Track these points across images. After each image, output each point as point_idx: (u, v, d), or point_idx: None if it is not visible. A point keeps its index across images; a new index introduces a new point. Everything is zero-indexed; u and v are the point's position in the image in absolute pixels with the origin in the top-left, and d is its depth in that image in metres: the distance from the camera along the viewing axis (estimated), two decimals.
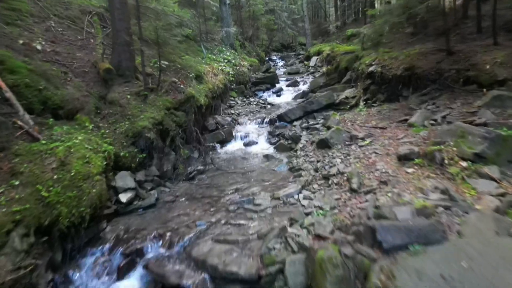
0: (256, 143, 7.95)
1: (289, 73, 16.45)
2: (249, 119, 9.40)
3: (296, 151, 6.51)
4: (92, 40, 7.39)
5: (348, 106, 8.19)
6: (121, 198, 4.53)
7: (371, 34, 7.16)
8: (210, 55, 12.07)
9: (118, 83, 6.07)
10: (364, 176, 4.04)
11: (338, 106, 8.53)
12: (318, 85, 11.59)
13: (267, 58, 22.75)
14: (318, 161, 5.31)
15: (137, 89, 6.13)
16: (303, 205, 4.23)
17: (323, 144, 5.79)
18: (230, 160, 6.91)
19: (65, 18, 7.49)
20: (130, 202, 4.64)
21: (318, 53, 17.60)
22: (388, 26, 6.47)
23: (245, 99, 11.64)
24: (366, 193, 3.73)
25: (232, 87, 11.74)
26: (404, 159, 4.06)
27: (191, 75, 8.24)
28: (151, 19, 6.47)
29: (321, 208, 3.69)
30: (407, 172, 3.84)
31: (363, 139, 5.25)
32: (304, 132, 7.29)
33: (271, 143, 7.72)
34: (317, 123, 7.47)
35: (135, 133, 5.36)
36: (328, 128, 6.47)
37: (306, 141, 6.67)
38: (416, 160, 3.98)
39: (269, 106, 10.86)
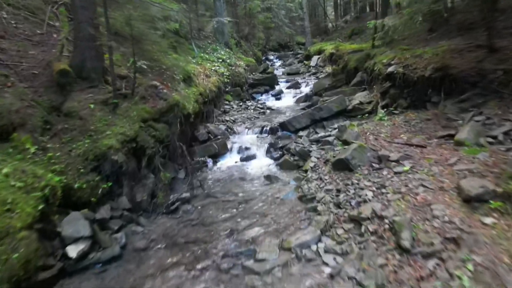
0: (255, 157, 6.69)
1: (289, 74, 15.21)
2: (246, 127, 8.13)
3: (305, 171, 5.24)
4: (55, 35, 6.04)
5: (365, 114, 6.93)
6: (69, 252, 3.22)
7: (399, 26, 5.93)
8: (202, 54, 10.76)
9: (79, 88, 4.76)
10: (416, 225, 2.79)
11: (351, 113, 7.27)
12: (323, 87, 10.35)
13: (264, 58, 21.53)
14: (338, 191, 4.05)
15: (104, 96, 4.82)
16: (325, 263, 2.98)
17: (342, 166, 4.54)
18: (224, 181, 5.63)
19: (22, 8, 6.13)
20: (83, 255, 3.34)
21: (319, 52, 16.38)
22: (422, 16, 5.25)
23: (241, 103, 10.36)
24: (426, 257, 2.48)
25: (227, 89, 10.44)
26: (474, 200, 2.82)
27: (178, 77, 6.94)
28: (126, 8, 5.16)
29: (360, 284, 2.42)
30: (484, 224, 2.60)
31: (398, 162, 3.99)
32: (314, 146, 6.01)
33: (273, 158, 6.46)
34: (329, 135, 6.21)
35: (97, 155, 4.05)
36: (345, 142, 5.22)
37: (318, 158, 5.40)
38: (493, 203, 2.74)
39: (268, 111, 9.61)
